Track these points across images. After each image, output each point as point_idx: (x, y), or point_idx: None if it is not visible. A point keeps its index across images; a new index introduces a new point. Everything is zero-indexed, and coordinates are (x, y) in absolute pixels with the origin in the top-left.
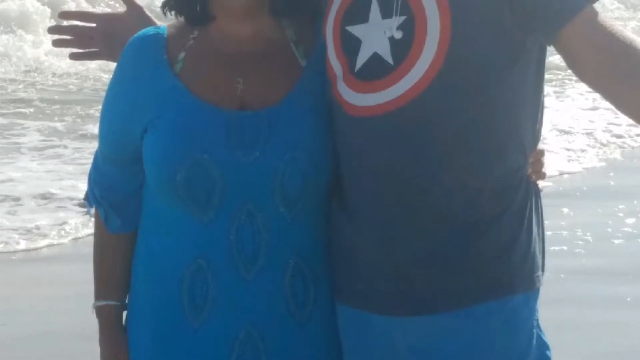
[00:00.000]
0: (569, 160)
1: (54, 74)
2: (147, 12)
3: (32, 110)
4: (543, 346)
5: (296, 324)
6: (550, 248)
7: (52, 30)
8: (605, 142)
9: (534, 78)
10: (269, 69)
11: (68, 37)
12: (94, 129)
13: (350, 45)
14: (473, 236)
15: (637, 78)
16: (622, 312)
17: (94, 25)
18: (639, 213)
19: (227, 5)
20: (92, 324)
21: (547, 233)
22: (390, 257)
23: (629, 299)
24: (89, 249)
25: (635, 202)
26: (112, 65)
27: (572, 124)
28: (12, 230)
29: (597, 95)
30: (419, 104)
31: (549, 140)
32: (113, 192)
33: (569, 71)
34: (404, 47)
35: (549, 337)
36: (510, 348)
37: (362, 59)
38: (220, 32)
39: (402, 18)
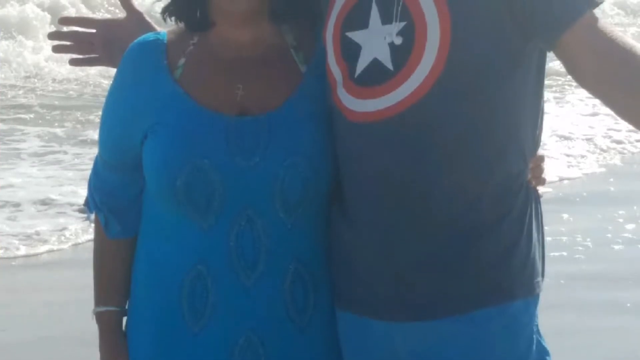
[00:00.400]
0: (568, 166)
1: (54, 80)
2: (147, 18)
3: (32, 116)
4: (543, 352)
5: (296, 330)
6: (550, 254)
7: (52, 36)
8: (605, 147)
9: (533, 83)
10: (269, 75)
11: (68, 43)
12: (94, 134)
13: (350, 51)
14: (473, 241)
15: (637, 84)
16: (622, 317)
17: (94, 31)
18: (638, 219)
19: (227, 11)
20: (92, 329)
21: (547, 239)
22: (390, 262)
23: (629, 305)
24: (89, 255)
25: (635, 207)
26: (112, 71)
27: (572, 129)
28: (12, 236)
29: (597, 101)
30: (418, 110)
31: (549, 146)
32: (113, 198)
33: (569, 77)
34: (404, 53)
35: (548, 342)
36: (510, 353)
37: (362, 64)
38: (220, 37)
39: (402, 24)
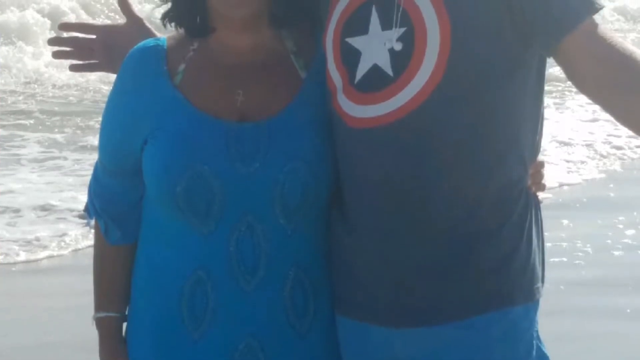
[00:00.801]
0: (568, 172)
1: (54, 86)
2: (147, 24)
3: (32, 121)
4: (542, 357)
5: (296, 335)
6: (550, 259)
7: (52, 41)
8: (605, 153)
9: (533, 89)
10: (269, 81)
11: (68, 49)
12: (94, 140)
13: (350, 57)
14: (473, 247)
15: (637, 89)
16: (621, 323)
17: (94, 36)
18: (638, 224)
19: (227, 16)
20: (92, 335)
21: (547, 244)
22: (390, 267)
23: (628, 311)
24: (89, 261)
25: (635, 213)
26: (112, 76)
27: (572, 135)
28: (12, 241)
29: (597, 107)
30: (418, 116)
31: (549, 152)
32: (113, 203)
33: (569, 83)
34: (404, 59)
35: (548, 348)
36: (510, 359)
37: (361, 70)
38: (220, 43)
39: (402, 30)
